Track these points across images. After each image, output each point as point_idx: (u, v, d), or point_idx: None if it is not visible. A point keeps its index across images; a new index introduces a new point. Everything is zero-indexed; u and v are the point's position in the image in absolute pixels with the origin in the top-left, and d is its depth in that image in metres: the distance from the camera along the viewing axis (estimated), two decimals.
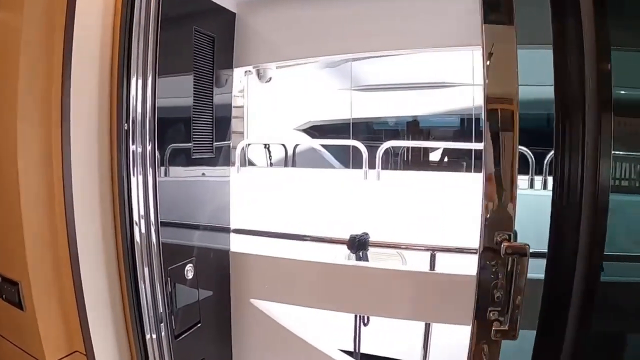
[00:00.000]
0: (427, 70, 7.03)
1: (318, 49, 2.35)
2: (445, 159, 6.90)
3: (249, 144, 5.95)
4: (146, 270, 1.73)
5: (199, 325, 2.14)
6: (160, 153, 1.80)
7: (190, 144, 2.07)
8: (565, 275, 1.46)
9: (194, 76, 2.11)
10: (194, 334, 2.11)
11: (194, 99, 2.10)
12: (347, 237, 2.23)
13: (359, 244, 2.14)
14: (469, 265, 1.98)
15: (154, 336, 1.79)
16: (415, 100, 7.31)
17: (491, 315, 1.37)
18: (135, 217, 1.71)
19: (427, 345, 2.32)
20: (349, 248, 2.18)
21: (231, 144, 2.40)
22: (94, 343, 1.64)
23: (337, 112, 6.59)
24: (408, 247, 2.29)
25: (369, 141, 5.16)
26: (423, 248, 2.19)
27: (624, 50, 1.45)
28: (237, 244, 2.43)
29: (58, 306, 1.64)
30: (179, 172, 2.03)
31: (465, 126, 7.03)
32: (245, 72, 6.35)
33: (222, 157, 2.30)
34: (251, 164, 6.17)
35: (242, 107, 6.09)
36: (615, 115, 1.33)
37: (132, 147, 1.68)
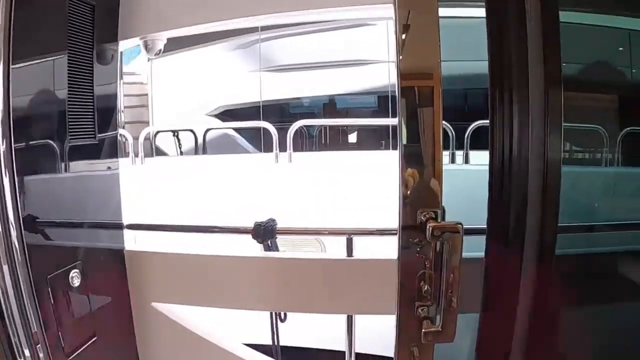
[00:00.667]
0: (343, 47, 6.87)
1: (213, 14, 2.10)
2: (360, 139, 6.79)
3: (157, 132, 5.62)
4: (9, 283, 1.46)
5: (95, 339, 1.87)
6: (25, 149, 1.55)
7: (66, 136, 1.80)
8: (513, 252, 1.31)
9: (69, 55, 1.82)
10: (89, 350, 1.84)
11: (69, 83, 1.83)
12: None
13: (264, 232, 1.91)
14: (392, 249, 1.82)
15: None
16: (332, 79, 7.14)
17: (420, 311, 1.19)
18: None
19: (351, 331, 2.14)
20: (254, 237, 1.94)
21: (119, 133, 2.14)
22: None
23: (250, 95, 6.33)
24: (320, 232, 2.08)
25: (283, 124, 4.92)
26: (337, 232, 2.00)
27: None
28: (138, 242, 2.18)
29: None
30: (52, 168, 1.76)
31: (382, 104, 6.92)
32: (149, 59, 6.00)
33: (108, 149, 2.04)
34: (161, 153, 5.84)
35: (146, 95, 5.74)
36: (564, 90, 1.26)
37: None
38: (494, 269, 1.35)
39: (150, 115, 5.71)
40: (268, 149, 4.76)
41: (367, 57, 6.80)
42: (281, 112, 6.98)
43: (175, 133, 5.80)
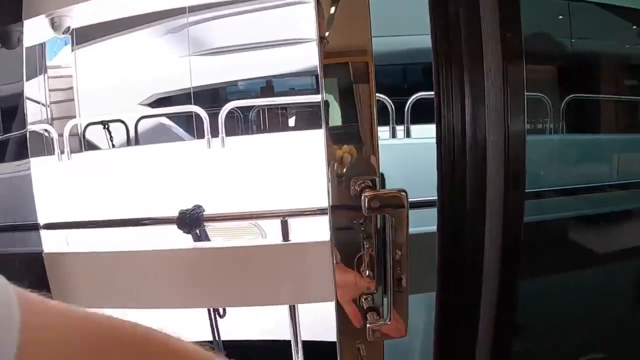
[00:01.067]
0: (278, 26, 6.69)
1: None
2: (299, 120, 6.64)
3: (86, 126, 5.33)
4: None
5: None
6: None
7: None
8: (473, 226, 1.21)
9: None
10: None
11: None
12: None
13: (190, 221, 1.76)
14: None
15: None
16: (268, 61, 6.94)
17: (363, 302, 1.06)
18: None
19: (295, 321, 2.01)
20: (179, 227, 1.79)
21: (28, 129, 1.95)
22: None
23: (184, 82, 6.08)
24: (250, 216, 1.93)
25: (218, 109, 4.74)
26: (270, 215, 1.86)
27: None
28: (64, 244, 2.00)
29: None
30: None
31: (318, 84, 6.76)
32: (73, 48, 5.67)
33: (14, 149, 1.85)
34: (93, 147, 5.55)
35: (70, 88, 5.43)
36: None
37: None
38: (450, 243, 1.24)
39: (77, 108, 5.41)
40: (201, 135, 4.58)
41: (303, 35, 6.64)
42: (217, 97, 6.75)
43: (105, 125, 5.51)
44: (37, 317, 0.45)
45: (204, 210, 1.77)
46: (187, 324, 2.27)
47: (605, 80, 2.39)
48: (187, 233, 1.79)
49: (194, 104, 5.33)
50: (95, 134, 5.54)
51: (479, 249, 1.22)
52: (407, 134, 4.33)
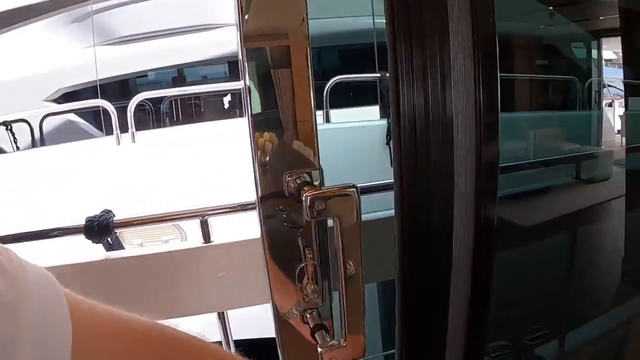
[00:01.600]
0: (188, 11, 6.44)
1: None
2: (215, 110, 6.43)
3: None
4: None
5: None
6: None
7: None
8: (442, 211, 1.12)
9: None
10: None
11: None
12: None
13: (99, 229, 1.59)
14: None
15: None
16: (179, 48, 6.67)
17: (308, 318, 0.93)
18: None
19: (225, 326, 1.88)
20: (87, 236, 1.62)
21: None
22: None
23: (91, 74, 5.73)
24: (164, 219, 1.76)
25: (127, 101, 4.47)
26: (187, 215, 1.72)
27: None
28: None
29: None
30: None
31: (234, 71, 6.57)
32: None
33: None
34: None
35: None
36: None
37: None
38: (412, 229, 1.14)
39: None
40: (110, 131, 4.31)
41: (215, 20, 6.41)
42: (126, 89, 6.43)
43: (7, 126, 5.10)
44: (86, 325, 0.54)
45: (113, 216, 1.61)
46: None
47: (520, 60, 2.42)
48: (96, 242, 1.62)
49: (101, 98, 5.01)
50: None
51: (448, 234, 1.14)
52: (327, 119, 4.26)
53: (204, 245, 1.69)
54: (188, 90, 6.45)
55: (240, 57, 0.88)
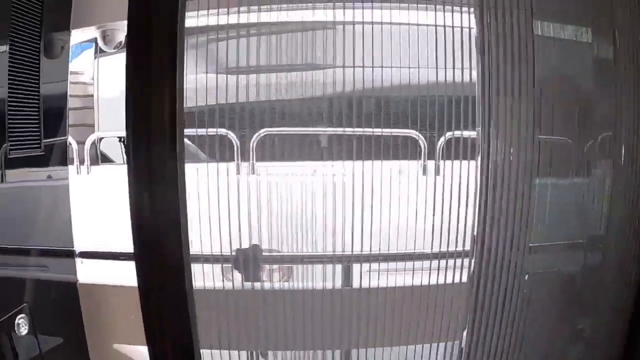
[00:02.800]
0: (297, 50, 6.59)
1: None
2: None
3: (101, 138, 5.16)
4: None
5: None
6: None
7: (5, 142, 1.48)
8: None
9: (10, 47, 1.52)
10: None
11: (9, 80, 1.51)
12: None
13: (247, 261, 1.59)
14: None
15: None
16: (280, 84, 6.81)
17: None
18: None
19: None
20: (236, 267, 1.63)
21: (68, 138, 1.84)
22: None
23: (201, 98, 5.92)
24: (311, 260, 1.76)
25: (237, 129, 4.53)
26: (329, 259, 1.70)
27: None
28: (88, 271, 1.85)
29: None
30: None
31: (326, 112, 6.63)
32: (96, 55, 5.53)
33: (55, 157, 1.73)
34: (107, 160, 5.38)
35: (90, 96, 5.28)
36: None
37: None
38: None
39: (96, 118, 5.25)
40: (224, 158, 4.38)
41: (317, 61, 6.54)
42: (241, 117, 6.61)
43: (122, 139, 5.33)
44: None
45: (262, 251, 1.63)
46: None
47: None
48: (242, 274, 1.63)
49: (207, 125, 5.13)
50: (109, 146, 5.37)
51: None
52: (438, 172, 4.19)
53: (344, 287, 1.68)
54: (309, 130, 6.52)
55: None
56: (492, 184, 1.36)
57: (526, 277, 1.39)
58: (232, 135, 4.36)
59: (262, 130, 4.61)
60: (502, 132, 1.38)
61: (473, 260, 1.34)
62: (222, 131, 5.06)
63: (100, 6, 1.80)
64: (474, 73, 1.63)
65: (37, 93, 1.62)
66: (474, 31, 1.61)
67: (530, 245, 1.49)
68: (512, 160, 1.38)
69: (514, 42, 1.35)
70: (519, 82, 1.38)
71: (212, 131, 5.30)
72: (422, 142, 3.86)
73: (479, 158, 1.45)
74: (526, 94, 1.39)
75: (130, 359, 1.81)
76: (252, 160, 4.06)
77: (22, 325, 1.44)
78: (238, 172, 4.04)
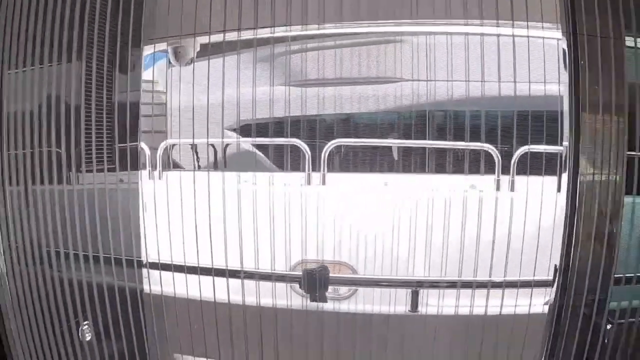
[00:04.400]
0: (365, 63, 6.57)
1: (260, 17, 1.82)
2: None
3: (172, 145, 5.28)
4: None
5: None
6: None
7: (76, 147, 1.51)
8: None
9: (87, 58, 1.55)
10: None
11: (85, 88, 1.54)
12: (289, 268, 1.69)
13: (315, 282, 1.57)
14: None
15: None
16: (350, 96, 6.80)
17: None
18: None
19: None
20: (302, 287, 1.60)
21: (139, 145, 1.87)
22: None
23: (269, 110, 5.98)
24: (380, 283, 1.71)
25: (307, 140, 4.55)
26: (401, 283, 1.66)
27: None
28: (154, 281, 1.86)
29: None
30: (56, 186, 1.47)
31: (404, 123, 6.56)
32: (169, 64, 5.67)
33: (127, 163, 1.76)
34: (176, 166, 5.50)
35: (163, 104, 5.42)
36: None
37: None
38: None
39: (168, 125, 5.37)
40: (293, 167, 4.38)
41: (391, 74, 6.48)
42: (304, 127, 6.63)
43: (193, 146, 5.45)
44: None
45: (329, 272, 1.59)
46: None
47: None
48: (308, 294, 1.60)
49: (278, 132, 5.17)
50: (178, 153, 5.48)
51: None
52: (512, 188, 4.07)
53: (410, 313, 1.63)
54: (384, 143, 6.50)
55: None
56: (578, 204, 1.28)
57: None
58: (303, 146, 4.35)
59: (334, 141, 4.58)
60: (591, 149, 1.29)
61: (553, 290, 1.26)
62: (295, 141, 5.03)
63: (171, 21, 1.83)
64: (554, 86, 1.56)
65: (111, 101, 1.66)
66: (552, 42, 1.55)
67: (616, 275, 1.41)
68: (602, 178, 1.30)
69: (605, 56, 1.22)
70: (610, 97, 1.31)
71: (283, 141, 5.27)
72: (496, 156, 3.73)
73: (565, 175, 1.36)
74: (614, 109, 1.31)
75: None
76: (324, 170, 4.03)
77: (87, 332, 1.46)
78: (308, 183, 4.03)
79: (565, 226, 1.36)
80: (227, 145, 5.61)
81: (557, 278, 1.42)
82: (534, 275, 1.48)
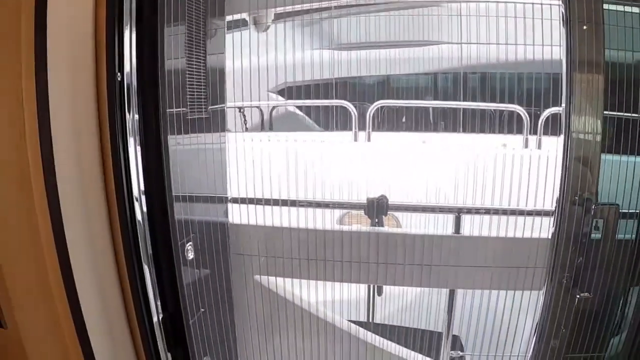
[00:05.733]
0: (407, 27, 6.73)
1: None
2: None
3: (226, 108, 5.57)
4: (150, 256, 1.47)
5: (203, 311, 1.91)
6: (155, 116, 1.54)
7: (183, 107, 1.81)
8: None
9: (187, 26, 1.84)
10: (198, 321, 1.88)
11: (187, 54, 1.84)
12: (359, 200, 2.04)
13: (378, 208, 1.93)
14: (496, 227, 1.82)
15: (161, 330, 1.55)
16: (391, 59, 6.99)
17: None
18: (137, 197, 1.40)
19: (451, 311, 2.14)
20: (366, 213, 1.97)
21: (226, 106, 2.17)
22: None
23: (313, 73, 6.22)
24: (431, 209, 2.07)
25: (353, 101, 4.85)
26: (448, 210, 2.00)
27: None
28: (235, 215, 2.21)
29: (47, 316, 1.29)
30: (174, 139, 1.77)
31: (440, 85, 6.74)
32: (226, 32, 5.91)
33: (218, 121, 2.06)
34: (225, 129, 5.80)
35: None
36: None
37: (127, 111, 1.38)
38: None
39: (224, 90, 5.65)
40: (341, 127, 4.69)
41: (432, 37, 6.63)
42: (347, 89, 6.84)
43: (241, 109, 5.76)
44: None
45: (388, 199, 1.94)
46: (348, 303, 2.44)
47: None
48: (371, 218, 1.95)
49: (322, 94, 5.45)
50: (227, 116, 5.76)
51: None
52: (539, 146, 4.30)
53: (455, 235, 1.96)
54: (427, 104, 6.70)
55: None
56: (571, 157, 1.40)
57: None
58: (350, 107, 4.67)
59: (378, 102, 4.88)
60: (578, 109, 1.36)
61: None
62: (342, 102, 5.32)
63: None
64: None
65: (204, 66, 1.94)
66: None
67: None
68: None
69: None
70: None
71: (331, 102, 5.55)
72: (525, 117, 3.99)
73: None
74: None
75: (266, 287, 2.15)
76: (369, 129, 4.34)
77: (190, 251, 1.80)
78: (356, 140, 4.36)
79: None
80: (273, 107, 5.83)
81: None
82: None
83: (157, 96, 1.40)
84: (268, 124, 6.27)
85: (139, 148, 1.40)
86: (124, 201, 1.35)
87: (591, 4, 1.29)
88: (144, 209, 1.43)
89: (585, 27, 1.27)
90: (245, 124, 6.08)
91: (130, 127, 1.35)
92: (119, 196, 1.34)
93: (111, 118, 1.29)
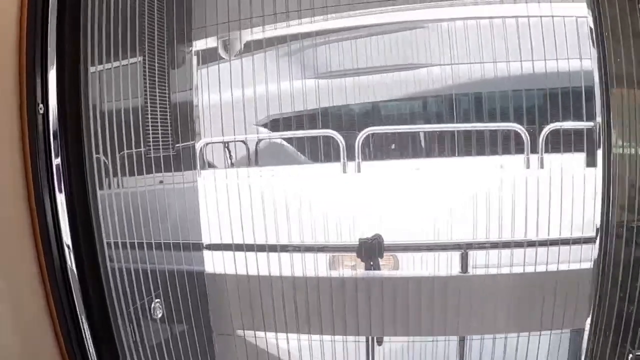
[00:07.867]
0: (393, 51, 6.63)
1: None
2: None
3: (206, 144, 5.41)
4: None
5: None
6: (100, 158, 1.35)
7: (142, 147, 1.61)
8: None
9: (148, 56, 1.66)
10: None
11: (149, 86, 1.66)
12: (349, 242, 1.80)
13: (372, 250, 1.69)
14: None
15: None
16: (378, 85, 6.88)
17: None
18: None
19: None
20: (359, 256, 1.73)
21: (196, 143, 1.98)
22: None
23: (298, 103, 6.08)
24: (431, 247, 1.83)
25: (339, 130, 4.67)
26: (452, 246, 1.77)
27: None
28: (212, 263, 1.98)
29: None
30: (128, 181, 1.57)
31: (431, 109, 6.62)
32: (198, 65, 5.79)
33: (185, 160, 1.86)
34: (210, 166, 5.63)
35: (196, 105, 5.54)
36: None
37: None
38: None
39: (201, 125, 5.49)
40: (328, 159, 4.49)
41: (418, 60, 6.53)
42: (334, 118, 6.71)
43: (225, 144, 5.58)
44: None
45: (383, 239, 1.71)
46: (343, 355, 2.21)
47: None
48: (364, 262, 1.72)
49: (309, 125, 5.27)
50: (211, 152, 5.60)
51: None
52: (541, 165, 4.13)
53: (462, 274, 1.73)
54: (418, 128, 6.57)
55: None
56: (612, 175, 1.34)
57: None
58: (337, 136, 4.45)
59: (367, 129, 4.67)
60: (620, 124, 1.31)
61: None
62: (328, 132, 5.12)
63: (219, 15, 1.92)
64: (583, 63, 1.62)
65: (166, 101, 1.76)
66: (579, 20, 1.60)
67: None
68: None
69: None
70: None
71: (317, 132, 5.34)
72: (525, 136, 3.78)
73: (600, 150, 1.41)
74: None
75: (252, 343, 1.92)
76: (358, 159, 4.13)
77: (158, 309, 1.58)
78: (344, 171, 4.14)
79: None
80: (259, 141, 5.70)
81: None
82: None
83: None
84: (254, 158, 6.10)
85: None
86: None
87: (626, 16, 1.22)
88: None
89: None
90: (231, 159, 5.91)
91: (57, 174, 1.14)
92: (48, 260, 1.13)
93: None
